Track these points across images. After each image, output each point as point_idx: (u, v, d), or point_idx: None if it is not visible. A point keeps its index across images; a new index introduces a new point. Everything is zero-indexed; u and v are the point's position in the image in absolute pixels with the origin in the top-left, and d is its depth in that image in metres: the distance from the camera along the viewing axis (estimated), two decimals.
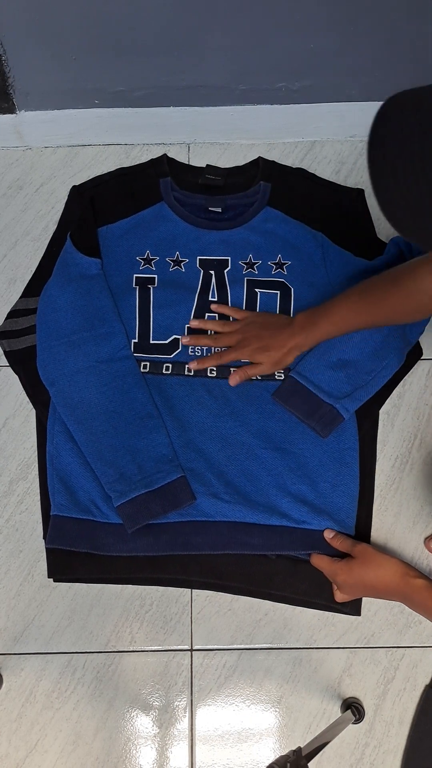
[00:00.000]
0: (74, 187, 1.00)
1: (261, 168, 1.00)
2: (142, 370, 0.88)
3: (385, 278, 0.77)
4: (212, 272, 0.93)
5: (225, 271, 0.93)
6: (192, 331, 0.90)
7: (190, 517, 0.81)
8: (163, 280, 0.92)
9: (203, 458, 0.84)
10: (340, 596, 0.80)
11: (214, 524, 0.81)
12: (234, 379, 0.86)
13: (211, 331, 0.90)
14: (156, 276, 0.92)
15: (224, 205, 0.97)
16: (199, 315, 0.91)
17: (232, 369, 0.88)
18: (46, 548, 0.84)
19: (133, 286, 0.92)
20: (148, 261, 0.93)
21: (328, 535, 0.81)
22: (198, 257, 0.94)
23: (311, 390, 0.84)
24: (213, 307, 0.90)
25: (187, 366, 0.88)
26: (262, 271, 0.93)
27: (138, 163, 1.02)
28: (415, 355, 0.91)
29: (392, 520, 0.88)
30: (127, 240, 0.94)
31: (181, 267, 0.93)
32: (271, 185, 0.98)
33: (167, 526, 0.81)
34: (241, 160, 1.03)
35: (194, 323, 0.90)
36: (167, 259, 0.93)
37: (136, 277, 0.92)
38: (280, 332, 0.85)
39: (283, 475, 0.83)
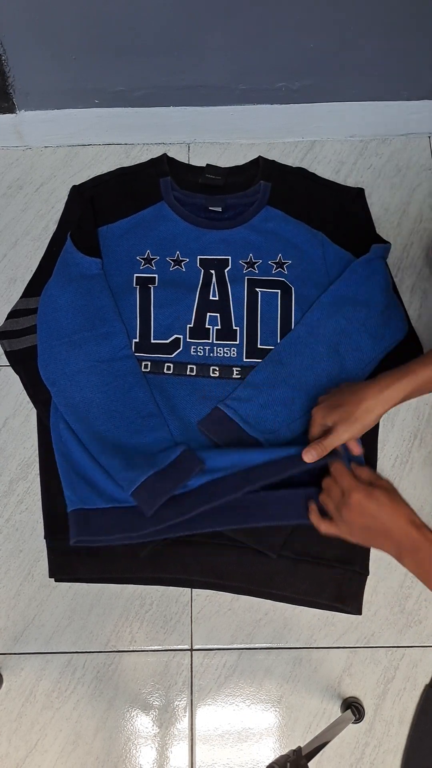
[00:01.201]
0: (74, 186, 1.00)
1: (261, 167, 1.00)
2: (143, 369, 0.88)
3: None
4: (213, 271, 0.93)
5: (225, 270, 0.93)
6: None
7: (207, 478, 0.79)
8: (164, 280, 0.92)
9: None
10: (326, 526, 0.74)
11: (231, 475, 0.79)
12: (309, 456, 0.74)
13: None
14: (156, 275, 0.92)
15: (224, 204, 0.97)
16: (200, 314, 0.91)
17: (234, 368, 0.88)
18: (48, 548, 0.84)
19: (134, 285, 0.92)
20: (148, 260, 0.93)
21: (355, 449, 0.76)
22: (198, 257, 0.94)
23: (238, 423, 0.82)
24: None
25: (189, 366, 0.88)
26: (263, 271, 0.93)
27: (138, 162, 1.02)
28: (415, 355, 0.91)
29: None
30: (128, 239, 0.94)
31: (181, 266, 0.93)
32: (271, 185, 0.98)
33: (188, 492, 0.79)
34: (241, 159, 1.03)
35: None
36: (167, 259, 0.93)
37: (136, 276, 0.92)
38: (356, 388, 0.74)
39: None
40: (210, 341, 0.89)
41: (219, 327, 0.90)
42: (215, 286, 0.92)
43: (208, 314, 0.91)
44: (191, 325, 0.90)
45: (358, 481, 0.71)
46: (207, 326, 0.90)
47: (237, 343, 0.89)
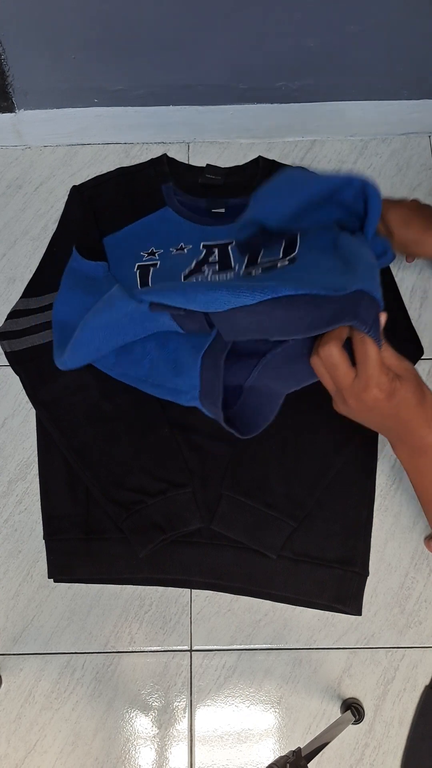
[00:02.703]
0: (74, 186, 1.00)
1: (261, 167, 1.00)
2: None
3: None
4: (215, 249, 0.90)
5: (229, 246, 0.90)
6: None
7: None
8: (164, 263, 0.90)
9: None
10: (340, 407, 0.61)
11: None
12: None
13: None
14: (159, 261, 0.91)
15: (227, 206, 0.97)
16: (197, 267, 0.88)
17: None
18: (47, 548, 0.84)
19: (134, 270, 0.90)
20: (151, 253, 0.92)
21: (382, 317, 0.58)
22: (202, 243, 0.92)
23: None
24: None
25: None
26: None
27: (138, 162, 1.02)
28: (415, 355, 0.91)
29: (392, 520, 0.88)
30: (131, 242, 0.93)
31: (183, 251, 0.91)
32: None
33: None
34: (241, 159, 1.03)
35: None
36: (170, 249, 0.92)
37: (138, 265, 0.91)
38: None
39: None
40: (205, 273, 0.86)
41: (216, 268, 0.86)
42: (217, 254, 0.89)
43: (206, 265, 0.88)
44: (185, 272, 0.87)
45: (382, 371, 0.55)
46: (204, 268, 0.87)
47: (235, 271, 0.85)
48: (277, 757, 0.65)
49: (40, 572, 0.86)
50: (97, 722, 0.82)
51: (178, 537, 0.82)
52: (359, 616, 0.83)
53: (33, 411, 0.90)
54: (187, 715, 0.83)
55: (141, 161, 1.02)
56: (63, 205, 0.99)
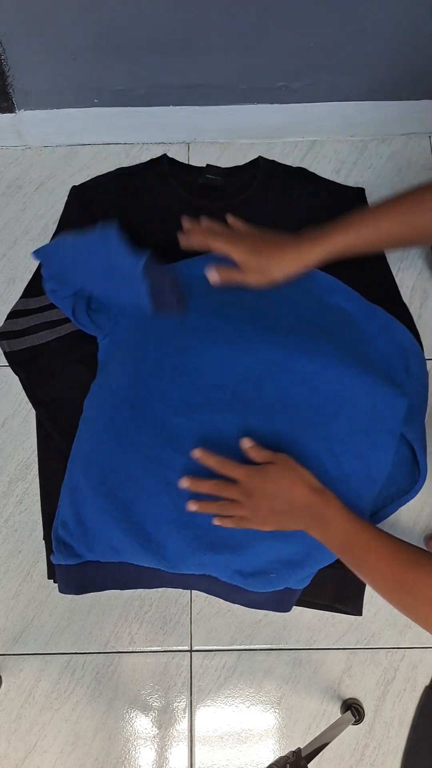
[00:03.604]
0: (74, 187, 1.00)
1: (261, 167, 1.00)
2: None
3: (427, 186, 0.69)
4: None
5: None
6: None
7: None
8: None
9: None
10: (233, 522, 0.67)
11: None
12: (212, 275, 0.75)
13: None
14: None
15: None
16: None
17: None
18: (47, 549, 0.84)
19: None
20: None
21: (245, 444, 0.68)
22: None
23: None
24: (229, 220, 0.81)
25: None
26: None
27: (138, 162, 1.02)
28: None
29: (392, 520, 0.88)
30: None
31: None
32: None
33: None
34: (241, 159, 1.03)
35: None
36: None
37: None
38: (282, 239, 0.75)
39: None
40: None
41: None
42: None
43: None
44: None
45: (249, 466, 0.67)
46: None
47: None
48: (277, 757, 0.65)
49: (40, 572, 0.86)
50: (97, 722, 0.82)
51: None
52: (359, 616, 0.83)
53: (33, 411, 0.90)
54: (187, 715, 0.83)
55: (141, 161, 1.02)
56: (63, 206, 0.99)
